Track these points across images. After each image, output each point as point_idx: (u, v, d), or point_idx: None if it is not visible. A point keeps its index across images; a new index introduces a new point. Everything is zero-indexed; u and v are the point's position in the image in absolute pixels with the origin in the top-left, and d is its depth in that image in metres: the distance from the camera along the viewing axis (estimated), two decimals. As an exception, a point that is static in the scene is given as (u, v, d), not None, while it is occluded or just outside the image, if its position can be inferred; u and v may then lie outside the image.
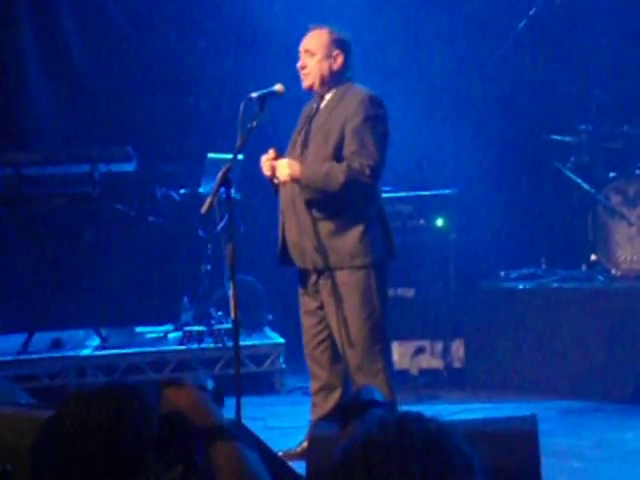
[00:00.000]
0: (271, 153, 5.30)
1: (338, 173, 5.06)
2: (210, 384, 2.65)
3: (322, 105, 5.32)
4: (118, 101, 8.95)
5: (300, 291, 5.44)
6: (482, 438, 3.29)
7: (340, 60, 5.31)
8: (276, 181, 5.30)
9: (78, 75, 9.11)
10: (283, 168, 5.15)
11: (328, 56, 5.29)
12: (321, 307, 5.34)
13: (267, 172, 5.31)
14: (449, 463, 1.81)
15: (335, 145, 5.19)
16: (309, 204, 5.19)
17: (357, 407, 2.91)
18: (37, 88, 9.05)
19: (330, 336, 5.37)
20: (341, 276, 5.19)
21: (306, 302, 5.41)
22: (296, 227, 5.25)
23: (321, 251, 5.18)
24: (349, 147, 5.14)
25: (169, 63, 8.98)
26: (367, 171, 5.08)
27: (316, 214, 5.19)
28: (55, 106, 9.08)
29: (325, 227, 5.18)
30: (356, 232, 5.18)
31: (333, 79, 5.30)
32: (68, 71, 9.09)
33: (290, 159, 5.18)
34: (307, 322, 5.43)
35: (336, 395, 5.40)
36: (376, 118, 5.20)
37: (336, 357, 5.40)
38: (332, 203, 5.18)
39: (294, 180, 5.14)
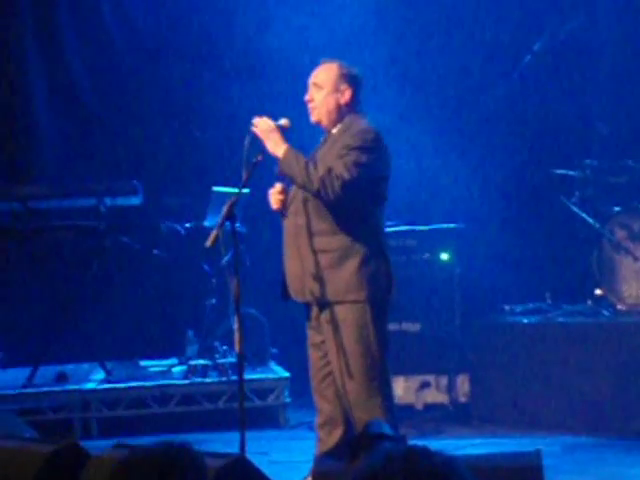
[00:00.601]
0: (278, 187, 5.32)
1: (314, 172, 5.03)
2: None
3: (327, 140, 5.33)
4: (124, 134, 9.00)
5: (306, 324, 5.43)
6: (487, 473, 3.29)
7: (348, 95, 5.30)
8: (285, 214, 5.32)
9: (85, 109, 9.16)
10: (264, 125, 5.13)
11: (336, 90, 5.29)
12: (324, 341, 5.33)
13: (275, 206, 5.32)
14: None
15: None
16: (311, 236, 5.19)
17: (366, 441, 2.92)
18: (44, 122, 9.10)
19: None
20: (338, 310, 5.17)
21: (311, 335, 5.40)
22: (297, 260, 5.25)
23: (319, 284, 5.16)
24: (331, 162, 5.09)
25: (175, 96, 9.02)
26: (338, 182, 5.00)
27: (317, 246, 5.18)
28: (62, 140, 9.13)
29: (324, 260, 5.17)
30: (352, 266, 5.14)
31: (340, 114, 5.29)
32: (75, 105, 9.14)
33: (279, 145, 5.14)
34: (313, 355, 5.41)
35: (339, 431, 5.36)
36: (362, 149, 5.12)
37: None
38: (333, 236, 5.18)
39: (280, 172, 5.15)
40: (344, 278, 5.14)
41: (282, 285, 5.37)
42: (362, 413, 5.12)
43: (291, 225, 5.27)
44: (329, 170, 5.02)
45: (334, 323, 5.16)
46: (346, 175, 5.02)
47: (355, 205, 5.14)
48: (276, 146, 5.13)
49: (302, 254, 5.21)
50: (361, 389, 5.16)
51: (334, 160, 5.08)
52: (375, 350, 5.20)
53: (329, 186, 5.00)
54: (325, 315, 5.20)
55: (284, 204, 5.31)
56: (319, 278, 5.15)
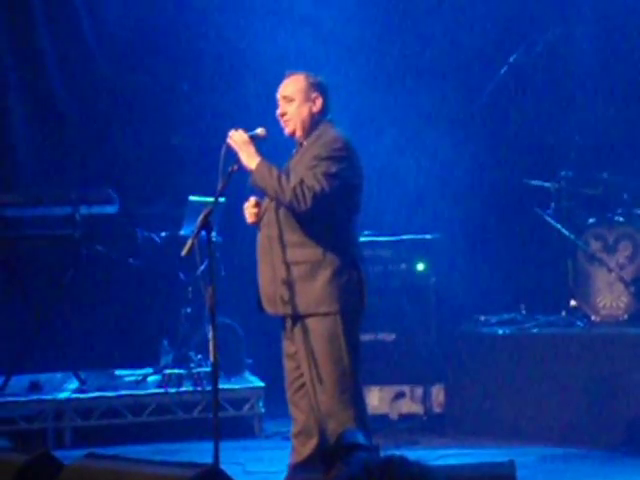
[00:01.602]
0: (252, 201, 5.32)
1: (287, 184, 5.04)
2: None
3: (299, 150, 5.34)
4: (100, 143, 8.97)
5: (282, 334, 5.43)
6: (461, 484, 3.29)
7: (319, 103, 5.32)
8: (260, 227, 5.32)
9: (61, 117, 9.12)
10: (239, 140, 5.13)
11: (307, 100, 5.30)
12: (298, 352, 5.33)
13: (250, 220, 5.32)
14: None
15: None
16: (283, 248, 5.18)
17: (341, 450, 2.92)
18: (19, 130, 9.06)
19: None
20: (309, 322, 5.17)
21: (286, 346, 5.39)
22: (270, 271, 5.24)
23: (291, 296, 5.16)
24: (302, 173, 5.10)
25: (152, 104, 9.00)
26: (309, 193, 5.01)
27: (288, 258, 5.17)
28: (37, 148, 9.08)
29: (296, 272, 5.17)
30: (324, 278, 5.13)
31: (313, 123, 5.30)
32: (51, 113, 9.10)
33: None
34: (287, 366, 5.41)
35: (314, 441, 5.36)
36: (332, 158, 5.13)
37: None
38: (304, 247, 5.18)
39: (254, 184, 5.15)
40: (316, 290, 5.14)
41: (257, 297, 5.37)
42: (334, 424, 5.12)
43: (264, 236, 5.27)
44: (301, 181, 5.03)
45: (306, 335, 5.16)
46: (317, 186, 5.02)
47: (327, 216, 5.15)
48: (249, 158, 5.13)
49: (274, 265, 5.21)
50: (333, 401, 5.16)
51: (304, 171, 5.09)
52: (347, 362, 5.19)
53: (301, 197, 5.01)
54: (297, 327, 5.20)
55: (259, 217, 5.31)
56: (291, 290, 5.15)
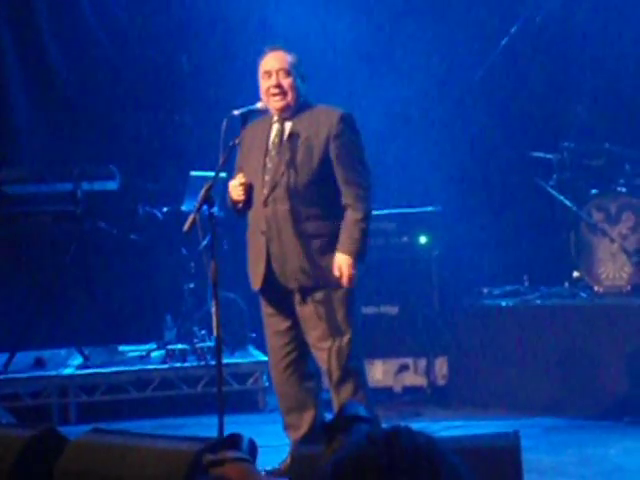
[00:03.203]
0: (241, 177, 5.31)
1: (357, 221, 5.22)
2: (244, 442, 2.71)
3: (289, 124, 5.31)
4: (101, 119, 8.95)
5: (267, 312, 5.44)
6: (465, 454, 3.29)
7: (305, 80, 5.38)
8: (240, 205, 5.32)
9: (61, 93, 9.10)
10: (346, 268, 5.20)
11: (299, 75, 5.35)
12: (291, 328, 5.36)
13: (239, 197, 5.30)
14: (439, 475, 1.81)
15: (320, 159, 5.24)
16: (299, 222, 5.21)
17: (342, 423, 2.91)
18: (19, 107, 9.03)
19: (300, 356, 5.40)
20: (327, 293, 5.22)
21: (276, 322, 5.41)
22: (280, 247, 5.25)
23: (307, 269, 5.21)
24: (342, 174, 5.24)
25: (152, 81, 8.98)
26: (364, 193, 5.24)
27: (308, 231, 5.22)
28: (38, 124, 9.07)
29: (315, 245, 5.23)
30: None
31: (302, 98, 5.34)
32: (51, 90, 9.08)
33: (341, 257, 5.21)
34: (277, 343, 5.45)
35: (311, 414, 5.44)
36: (356, 135, 5.32)
37: (306, 376, 5.46)
38: (324, 221, 5.24)
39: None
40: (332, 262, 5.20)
41: (264, 274, 5.36)
42: (345, 393, 5.21)
43: (269, 214, 5.24)
44: (356, 195, 5.21)
45: (321, 305, 5.20)
46: (364, 183, 5.26)
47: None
48: (349, 267, 5.20)
49: (287, 240, 5.21)
50: (345, 369, 5.28)
51: (335, 156, 5.23)
52: (358, 330, 5.33)
53: (366, 200, 5.28)
54: (310, 298, 5.22)
55: (248, 194, 5.30)
56: (311, 262, 5.22)
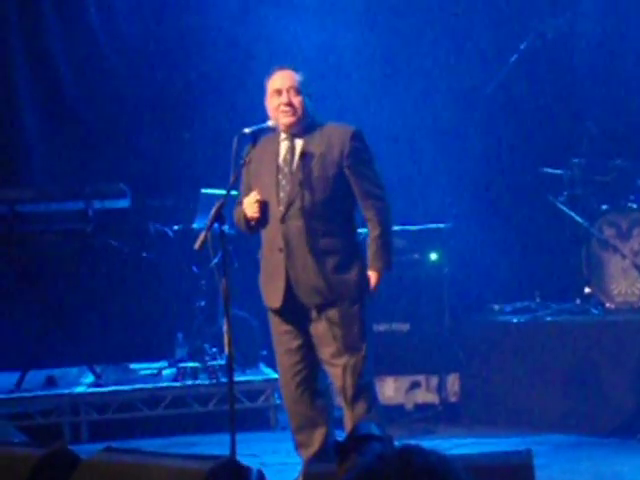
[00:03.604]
0: (256, 194, 5.32)
1: (379, 236, 5.33)
2: (253, 476, 2.72)
3: (300, 142, 5.33)
4: (112, 137, 8.97)
5: (278, 330, 5.44)
6: (479, 473, 3.28)
7: (312, 99, 5.41)
8: (252, 223, 5.34)
9: (72, 112, 9.13)
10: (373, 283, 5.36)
11: (308, 94, 5.37)
12: (303, 346, 5.36)
13: (255, 215, 5.31)
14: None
15: (335, 177, 5.28)
16: (318, 238, 5.23)
17: (355, 442, 2.91)
18: (30, 126, 9.07)
19: (311, 374, 5.41)
20: (342, 309, 5.24)
21: (287, 341, 5.41)
22: (298, 263, 5.26)
23: (324, 286, 5.23)
24: (360, 188, 5.31)
25: (163, 98, 9.00)
26: (384, 205, 5.35)
27: (326, 247, 5.26)
28: (49, 143, 9.10)
29: (333, 261, 5.25)
30: (358, 266, 5.31)
31: (310, 116, 5.37)
32: (62, 109, 9.11)
33: (371, 274, 5.34)
34: (288, 361, 5.44)
35: (322, 432, 5.43)
36: (368, 150, 5.37)
37: (317, 394, 5.46)
38: (340, 237, 5.29)
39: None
40: (352, 278, 5.27)
41: (283, 292, 5.36)
42: (360, 408, 5.25)
43: (287, 230, 5.25)
44: (376, 209, 5.32)
45: (338, 322, 5.24)
46: (381, 194, 5.36)
47: (354, 208, 5.40)
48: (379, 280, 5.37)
49: (303, 256, 5.22)
50: (360, 385, 5.28)
51: (352, 171, 5.29)
52: (372, 347, 5.35)
53: (388, 212, 5.38)
54: (326, 315, 5.24)
55: (261, 213, 5.31)
56: (326, 278, 5.22)
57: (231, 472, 2.74)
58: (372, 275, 5.34)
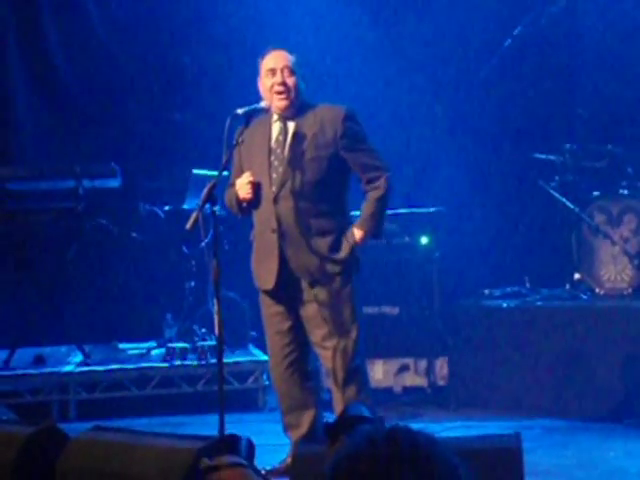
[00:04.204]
0: (249, 175, 5.31)
1: (379, 199, 5.34)
2: (242, 444, 2.73)
3: (292, 123, 5.33)
4: (103, 117, 8.94)
5: (269, 312, 5.45)
6: (467, 455, 3.29)
7: (306, 81, 5.40)
8: (245, 204, 5.34)
9: (63, 91, 9.10)
10: (353, 239, 5.34)
11: (302, 75, 5.37)
12: (293, 328, 5.37)
13: (248, 196, 5.31)
14: (438, 474, 1.81)
15: (328, 157, 5.28)
16: (312, 218, 5.24)
17: (346, 423, 2.92)
18: (22, 104, 9.03)
19: (301, 356, 5.42)
20: (333, 291, 5.26)
21: (278, 322, 5.42)
22: (292, 244, 5.27)
23: (318, 266, 5.26)
24: (360, 162, 5.33)
25: (154, 79, 8.97)
26: (386, 174, 5.35)
27: (320, 227, 5.29)
28: (40, 122, 9.06)
29: (323, 242, 5.25)
30: (348, 246, 5.32)
31: (303, 98, 5.36)
32: (53, 87, 9.08)
33: (355, 231, 5.32)
34: (279, 343, 5.46)
35: (311, 414, 5.46)
36: (362, 128, 5.40)
37: (307, 376, 5.49)
38: (334, 217, 5.31)
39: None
40: (343, 257, 5.29)
41: (262, 274, 5.36)
42: (351, 390, 5.28)
43: (281, 209, 5.25)
44: (379, 177, 5.31)
45: (329, 304, 5.26)
46: (381, 164, 5.37)
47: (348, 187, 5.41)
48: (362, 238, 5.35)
49: (296, 237, 5.23)
50: (351, 367, 5.32)
51: (348, 149, 5.30)
52: (362, 330, 5.40)
53: (387, 184, 5.37)
54: (317, 297, 5.25)
55: (255, 193, 5.31)
56: (320, 259, 5.24)
57: (221, 445, 2.76)
58: (358, 233, 5.30)
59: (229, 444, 2.82)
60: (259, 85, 5.39)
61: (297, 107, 5.34)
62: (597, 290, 7.60)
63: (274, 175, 5.29)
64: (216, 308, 5.02)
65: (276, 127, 5.37)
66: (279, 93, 5.29)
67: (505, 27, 8.30)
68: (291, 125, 5.34)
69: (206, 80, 8.85)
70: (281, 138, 5.33)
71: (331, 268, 5.26)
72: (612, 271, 7.61)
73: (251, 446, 2.82)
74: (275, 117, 5.38)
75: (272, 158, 5.32)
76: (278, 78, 5.30)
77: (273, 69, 5.31)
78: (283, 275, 5.30)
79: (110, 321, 8.51)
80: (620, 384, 6.96)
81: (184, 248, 7.92)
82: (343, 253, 5.28)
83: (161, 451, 3.52)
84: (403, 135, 8.56)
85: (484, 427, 6.70)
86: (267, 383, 7.70)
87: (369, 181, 5.32)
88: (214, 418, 5.01)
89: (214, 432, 4.90)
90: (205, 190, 5.05)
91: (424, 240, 7.77)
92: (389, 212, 7.61)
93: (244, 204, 5.36)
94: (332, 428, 3.07)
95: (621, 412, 6.84)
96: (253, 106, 5.31)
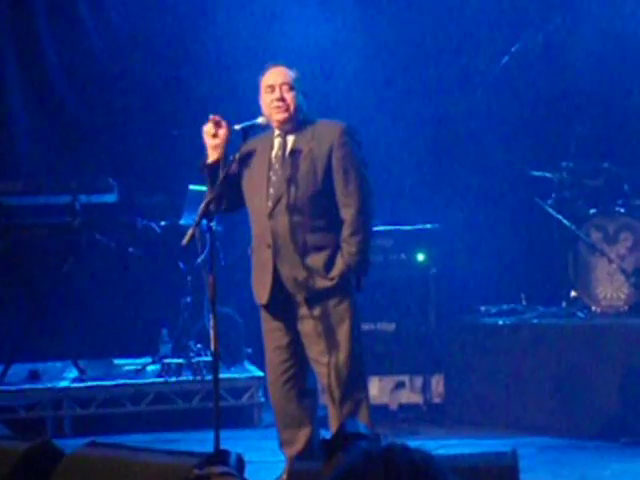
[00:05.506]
0: (212, 121, 5.33)
1: (360, 224, 5.28)
2: (232, 458, 2.73)
3: (291, 138, 5.34)
4: (100, 132, 8.95)
5: (268, 327, 5.44)
6: (464, 473, 3.28)
7: (307, 96, 5.41)
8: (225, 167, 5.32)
9: (60, 106, 9.10)
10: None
11: (302, 91, 5.38)
12: (292, 343, 5.36)
13: (210, 130, 5.36)
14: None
15: (324, 172, 5.26)
16: (308, 233, 5.23)
17: (342, 440, 2.91)
18: (18, 119, 9.03)
19: (299, 372, 5.40)
20: (330, 307, 5.24)
21: (277, 338, 5.41)
22: (286, 259, 5.26)
23: (312, 282, 5.24)
24: (340, 185, 5.26)
25: (151, 94, 8.97)
26: (364, 198, 5.27)
27: (315, 243, 5.26)
28: (37, 137, 9.06)
29: (318, 257, 5.23)
30: (343, 263, 5.28)
31: (303, 113, 5.36)
32: (50, 102, 9.08)
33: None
34: (277, 358, 5.44)
35: (307, 431, 5.44)
36: (358, 147, 5.35)
37: (304, 392, 5.46)
38: (328, 233, 5.28)
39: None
40: (338, 273, 5.27)
41: (270, 287, 5.35)
42: (349, 408, 5.24)
43: (276, 224, 5.25)
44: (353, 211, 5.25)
45: (326, 320, 5.25)
46: (360, 190, 5.28)
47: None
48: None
49: (291, 252, 5.22)
50: (350, 383, 5.31)
51: (337, 167, 5.24)
52: (360, 346, 5.36)
53: (369, 204, 5.34)
54: (313, 313, 5.23)
55: (220, 147, 5.31)
56: (314, 274, 5.23)
57: (212, 459, 2.75)
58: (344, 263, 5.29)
59: (219, 457, 2.82)
60: (260, 102, 5.40)
61: (297, 122, 5.35)
62: (593, 308, 7.60)
63: (271, 190, 5.29)
64: (212, 324, 5.01)
65: (277, 142, 5.39)
66: (277, 108, 5.30)
67: (502, 44, 8.32)
68: (290, 140, 5.35)
69: (204, 95, 8.84)
70: (280, 153, 5.34)
71: (325, 284, 5.25)
72: (608, 289, 7.61)
73: (241, 461, 2.82)
74: (276, 133, 5.39)
75: (270, 173, 5.32)
76: (276, 94, 5.31)
77: (272, 85, 5.33)
78: (277, 290, 5.29)
79: (105, 336, 8.49)
80: (616, 402, 6.95)
81: (180, 264, 7.91)
82: (337, 270, 5.26)
83: (156, 467, 3.51)
84: (401, 152, 8.57)
85: (480, 445, 6.69)
86: (262, 400, 7.69)
87: (342, 204, 5.30)
88: (209, 434, 4.99)
89: (209, 448, 4.89)
90: (202, 206, 5.05)
91: (420, 257, 7.77)
92: (385, 229, 7.68)
93: (211, 161, 5.36)
94: (328, 445, 3.06)
95: (617, 430, 6.83)
96: (250, 122, 5.32)
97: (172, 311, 8.07)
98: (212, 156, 5.35)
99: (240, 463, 2.78)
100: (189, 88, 8.97)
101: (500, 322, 7.64)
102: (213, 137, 5.33)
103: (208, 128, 5.35)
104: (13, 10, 9.00)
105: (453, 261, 7.97)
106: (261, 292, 5.36)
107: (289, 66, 5.40)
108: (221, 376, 5.58)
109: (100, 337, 8.47)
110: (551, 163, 7.88)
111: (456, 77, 8.72)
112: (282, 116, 5.30)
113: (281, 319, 5.38)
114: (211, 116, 5.33)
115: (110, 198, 8.02)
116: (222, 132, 5.31)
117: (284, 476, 5.30)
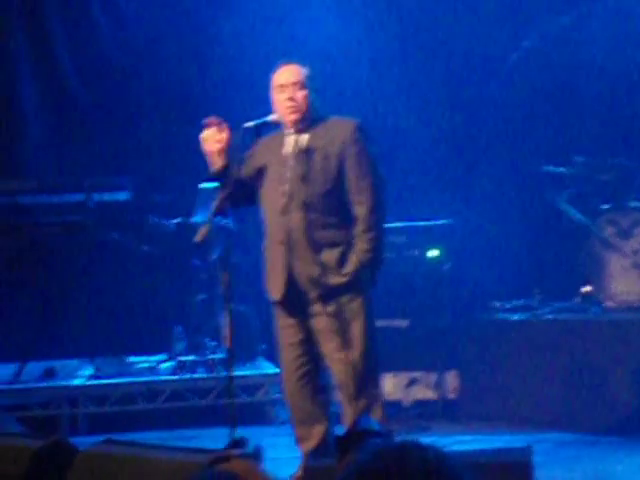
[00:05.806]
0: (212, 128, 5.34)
1: (372, 221, 5.30)
2: (251, 445, 2.77)
3: (305, 137, 5.34)
4: (113, 130, 8.96)
5: (282, 323, 5.45)
6: (478, 469, 3.28)
7: (319, 93, 5.41)
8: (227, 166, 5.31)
9: (73, 104, 9.12)
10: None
11: (314, 89, 5.37)
12: (305, 340, 5.37)
13: (215, 149, 5.35)
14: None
15: (337, 169, 5.28)
16: (321, 230, 5.24)
17: (355, 437, 2.91)
18: (32, 117, 9.06)
19: (313, 369, 5.41)
20: (344, 303, 5.25)
21: (291, 334, 5.42)
22: (299, 256, 5.26)
23: (326, 278, 5.24)
24: (353, 181, 5.28)
25: (165, 92, 8.98)
26: (377, 194, 5.30)
27: (329, 239, 5.28)
28: (50, 135, 9.09)
29: (330, 254, 5.24)
30: (356, 259, 5.30)
31: (316, 111, 5.37)
32: (63, 100, 9.10)
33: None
34: (290, 355, 5.45)
35: (321, 428, 5.44)
36: (371, 144, 5.37)
37: (319, 389, 5.47)
38: (341, 229, 5.29)
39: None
40: (351, 270, 5.28)
41: (284, 285, 5.36)
42: (364, 404, 5.25)
43: (289, 221, 5.26)
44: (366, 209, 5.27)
45: (340, 317, 5.24)
46: (373, 185, 5.29)
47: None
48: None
49: (304, 249, 5.23)
50: (365, 379, 5.31)
51: (350, 164, 5.26)
52: (375, 343, 5.38)
53: (381, 202, 5.38)
54: (328, 309, 5.24)
55: (225, 151, 5.32)
56: (328, 271, 5.22)
57: (231, 444, 2.78)
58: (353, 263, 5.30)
59: (238, 443, 2.84)
60: (272, 99, 5.41)
61: (309, 120, 5.35)
62: (607, 303, 7.58)
63: (284, 187, 5.30)
64: (226, 321, 5.02)
65: (290, 140, 5.39)
66: (288, 108, 5.31)
67: (514, 39, 8.30)
68: (303, 138, 5.36)
69: (216, 93, 8.85)
70: (293, 151, 5.35)
71: (338, 281, 5.25)
72: (622, 284, 7.59)
73: (259, 449, 2.84)
74: (289, 130, 5.40)
75: (284, 170, 5.33)
76: (287, 94, 5.31)
77: (283, 85, 5.34)
78: (291, 287, 5.30)
79: (120, 334, 8.50)
80: (631, 397, 6.94)
81: (194, 261, 7.92)
82: (350, 266, 5.27)
83: (172, 464, 3.51)
84: (413, 147, 8.56)
85: (494, 441, 6.68)
86: (277, 396, 7.69)
87: (355, 201, 5.31)
88: (224, 431, 5.01)
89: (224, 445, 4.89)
90: (216, 202, 5.06)
91: (434, 253, 7.76)
92: (400, 225, 7.67)
93: (219, 168, 5.37)
94: (342, 441, 3.06)
95: (632, 425, 6.81)
96: (263, 119, 5.33)
97: (186, 308, 8.09)
98: (218, 163, 5.35)
99: (258, 451, 2.80)
100: (202, 86, 8.98)
101: (514, 317, 7.63)
102: (217, 142, 5.30)
103: (211, 133, 5.31)
104: (26, 8, 9.02)
105: (466, 257, 7.95)
106: (274, 289, 5.36)
107: (301, 63, 5.40)
108: (235, 373, 5.60)
109: (114, 335, 8.48)
110: (564, 158, 7.86)
111: (469, 73, 8.70)
112: (293, 117, 5.32)
113: (294, 316, 5.38)
114: (207, 120, 5.30)
115: (123, 196, 8.04)
116: (225, 135, 5.31)
117: (299, 472, 5.31)
